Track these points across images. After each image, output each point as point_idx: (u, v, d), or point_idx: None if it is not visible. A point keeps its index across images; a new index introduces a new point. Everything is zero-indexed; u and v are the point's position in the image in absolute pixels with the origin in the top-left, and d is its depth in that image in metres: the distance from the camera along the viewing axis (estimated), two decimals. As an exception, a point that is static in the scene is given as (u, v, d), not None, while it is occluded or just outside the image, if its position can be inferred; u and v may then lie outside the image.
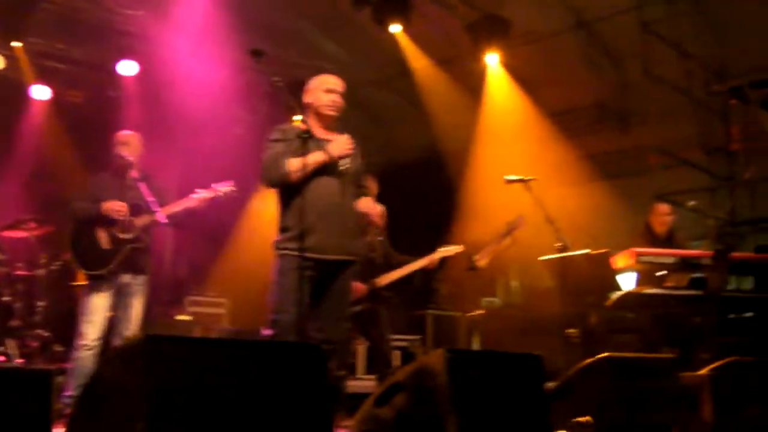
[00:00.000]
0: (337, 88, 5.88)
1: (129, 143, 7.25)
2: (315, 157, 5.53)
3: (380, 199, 9.18)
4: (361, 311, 7.38)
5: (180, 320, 11.38)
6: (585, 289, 8.39)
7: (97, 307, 6.90)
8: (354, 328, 7.42)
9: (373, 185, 7.73)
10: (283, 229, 5.66)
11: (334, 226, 5.52)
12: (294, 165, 5.49)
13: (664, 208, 9.43)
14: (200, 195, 7.12)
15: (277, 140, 5.73)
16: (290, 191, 5.60)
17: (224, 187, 7.26)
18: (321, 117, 5.69)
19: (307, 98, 5.76)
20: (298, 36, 14.16)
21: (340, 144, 5.62)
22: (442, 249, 7.61)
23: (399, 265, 7.72)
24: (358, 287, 7.32)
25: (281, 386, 3.44)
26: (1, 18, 11.16)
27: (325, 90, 5.83)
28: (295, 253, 5.43)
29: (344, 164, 5.74)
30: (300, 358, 3.65)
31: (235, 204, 13.77)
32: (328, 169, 5.61)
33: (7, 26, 11.19)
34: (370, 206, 6.42)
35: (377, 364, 7.61)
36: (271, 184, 5.69)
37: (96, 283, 6.92)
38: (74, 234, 7.10)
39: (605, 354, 4.78)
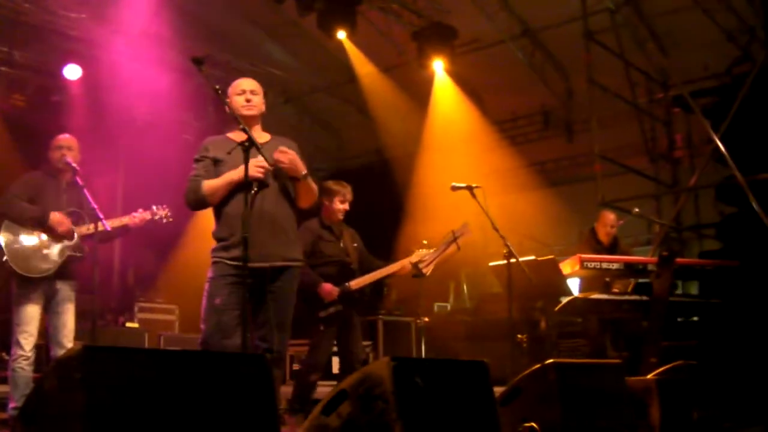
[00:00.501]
0: (248, 88, 5.75)
1: (72, 147, 7.13)
2: (229, 176, 5.46)
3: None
4: (333, 314, 7.39)
5: (129, 328, 11.28)
6: (533, 294, 8.47)
7: (31, 316, 6.79)
8: (327, 331, 7.47)
9: (346, 192, 7.69)
10: (216, 239, 5.58)
11: (264, 233, 5.38)
12: (209, 189, 5.46)
13: (610, 219, 9.49)
14: (139, 215, 7.08)
15: (198, 160, 5.66)
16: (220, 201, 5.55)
17: (162, 212, 7.21)
18: (245, 119, 5.59)
19: (231, 106, 5.71)
20: (245, 42, 14.14)
21: (255, 165, 5.36)
22: (417, 253, 7.60)
23: (374, 269, 7.71)
24: (330, 290, 7.37)
25: (224, 397, 3.41)
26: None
27: (237, 93, 5.73)
28: (227, 261, 5.38)
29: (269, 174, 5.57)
30: (243, 369, 3.63)
31: (184, 209, 13.73)
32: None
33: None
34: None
35: (347, 367, 7.58)
36: (192, 209, 5.70)
37: (25, 292, 6.78)
38: (7, 233, 6.93)
39: (552, 360, 4.80)
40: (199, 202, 5.50)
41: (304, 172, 5.51)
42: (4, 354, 9.37)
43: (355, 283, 7.55)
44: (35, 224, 6.79)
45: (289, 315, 5.65)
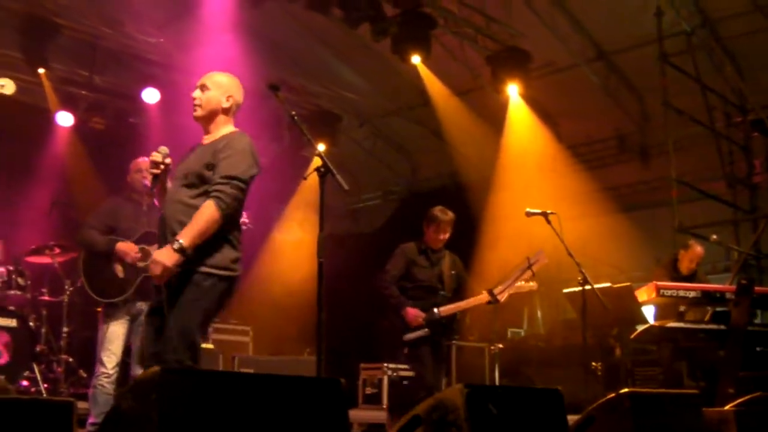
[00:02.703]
0: (197, 83, 5.35)
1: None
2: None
3: (403, 226, 9.17)
4: (420, 338, 7.37)
5: (204, 349, 11.37)
6: (607, 321, 8.38)
7: (115, 335, 6.93)
8: (416, 354, 7.44)
9: (444, 223, 7.66)
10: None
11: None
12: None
13: (698, 253, 9.30)
14: None
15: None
16: None
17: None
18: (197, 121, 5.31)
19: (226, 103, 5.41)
20: (319, 65, 14.27)
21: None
22: (517, 285, 7.54)
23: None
24: (415, 315, 7.39)
25: (297, 421, 3.45)
26: (25, 45, 11.32)
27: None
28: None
29: (191, 161, 5.19)
30: (317, 392, 3.66)
31: (258, 231, 13.86)
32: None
33: (31, 53, 11.34)
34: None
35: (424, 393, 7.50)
36: None
37: (111, 312, 6.93)
38: (87, 261, 7.11)
39: (627, 389, 4.74)
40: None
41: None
42: (81, 371, 9.56)
43: (444, 310, 7.51)
44: (105, 253, 6.93)
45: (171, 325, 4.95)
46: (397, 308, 7.47)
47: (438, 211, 7.68)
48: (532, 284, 7.50)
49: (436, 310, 7.47)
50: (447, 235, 7.69)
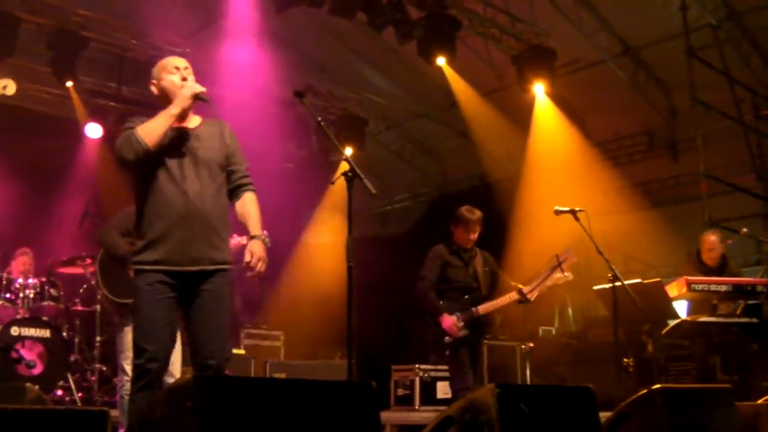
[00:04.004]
0: (182, 65, 5.04)
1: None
2: (168, 111, 4.72)
3: (432, 228, 9.17)
4: (459, 339, 7.36)
5: (236, 354, 11.45)
6: (639, 317, 8.34)
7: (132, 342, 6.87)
8: (457, 356, 7.36)
9: (473, 222, 7.65)
10: (136, 242, 4.85)
11: (194, 231, 4.71)
12: (144, 130, 4.64)
13: (708, 241, 9.18)
14: (236, 240, 7.04)
15: (127, 128, 4.78)
16: (143, 191, 4.80)
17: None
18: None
19: (155, 90, 5.01)
20: (345, 70, 14.33)
21: (187, 88, 4.80)
22: (554, 276, 7.49)
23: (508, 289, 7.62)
24: (451, 325, 7.27)
25: (330, 425, 3.48)
26: (54, 59, 11.45)
27: (169, 71, 4.99)
28: (150, 267, 4.66)
29: (199, 147, 4.88)
30: (349, 397, 3.69)
31: (289, 237, 13.94)
32: (182, 156, 4.81)
33: (60, 66, 11.47)
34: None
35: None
36: (127, 163, 4.68)
37: (126, 316, 6.85)
38: (103, 260, 7.09)
39: (659, 385, 4.73)
40: (138, 149, 4.61)
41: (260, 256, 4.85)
42: (115, 380, 9.65)
43: (483, 309, 7.48)
44: (119, 262, 6.83)
45: (227, 322, 4.92)
46: (433, 316, 7.42)
47: (465, 210, 7.67)
48: (568, 275, 7.45)
49: (474, 309, 7.46)
50: (476, 234, 7.67)
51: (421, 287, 7.55)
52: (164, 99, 4.90)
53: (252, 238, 4.90)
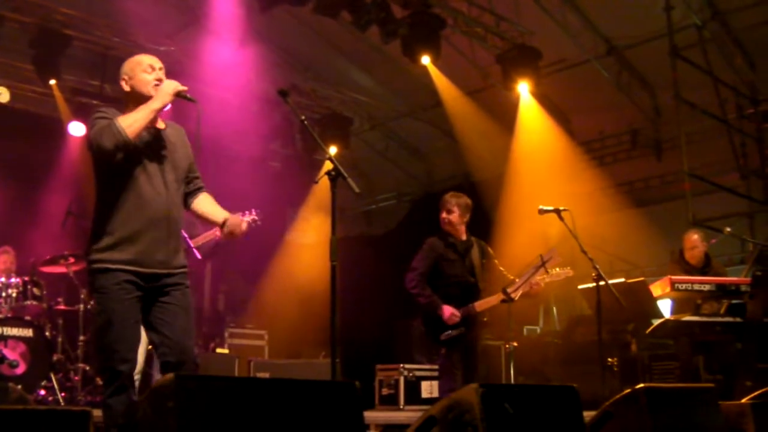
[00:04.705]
0: (157, 65, 4.97)
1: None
2: (150, 105, 4.67)
3: (417, 227, 9.13)
4: (455, 336, 7.19)
5: (220, 354, 11.43)
6: (623, 317, 8.35)
7: None
8: (451, 355, 7.19)
9: (460, 203, 7.49)
10: (97, 238, 4.68)
11: (163, 233, 4.69)
12: (125, 121, 4.56)
13: (690, 240, 9.20)
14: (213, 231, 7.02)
15: (103, 117, 4.65)
16: (115, 187, 4.69)
17: (247, 218, 7.18)
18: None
19: (126, 86, 4.93)
20: (330, 69, 14.31)
21: (169, 84, 4.76)
22: (552, 272, 7.40)
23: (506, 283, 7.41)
24: (452, 313, 7.12)
25: (313, 425, 3.47)
26: (37, 57, 11.40)
27: (145, 70, 4.91)
28: (116, 266, 4.57)
29: (173, 152, 4.89)
30: (332, 396, 3.68)
31: (272, 236, 13.91)
32: (158, 157, 4.79)
33: (43, 65, 11.42)
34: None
35: None
36: (104, 152, 4.52)
37: None
38: None
39: (643, 384, 4.74)
40: (116, 139, 4.50)
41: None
42: (98, 380, 9.60)
43: (480, 305, 7.28)
44: None
45: (193, 323, 4.89)
46: (431, 308, 7.21)
47: (451, 195, 7.53)
48: (568, 270, 7.39)
49: (473, 305, 7.25)
50: (467, 218, 7.51)
51: (412, 279, 7.35)
52: (134, 96, 4.85)
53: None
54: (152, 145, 4.78)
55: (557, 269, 7.36)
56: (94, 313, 4.81)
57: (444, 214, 7.48)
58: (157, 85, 4.82)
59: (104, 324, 4.52)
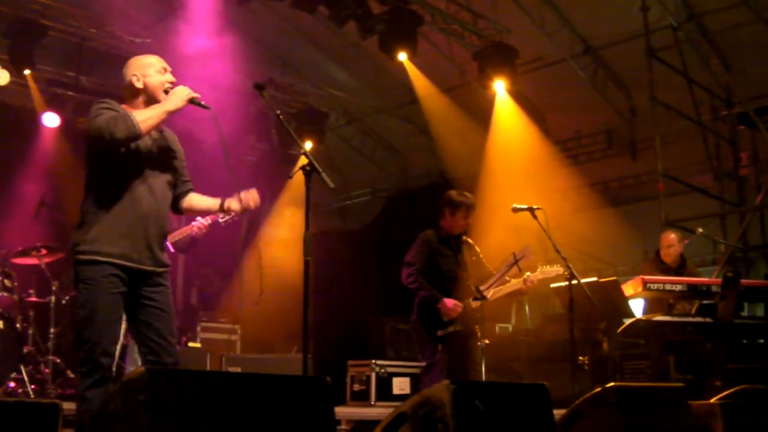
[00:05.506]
0: (169, 67, 5.06)
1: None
2: (164, 106, 4.75)
3: (392, 223, 9.14)
4: (453, 333, 7.12)
5: (192, 348, 11.38)
6: (595, 316, 8.38)
7: None
8: (446, 351, 7.12)
9: (470, 205, 7.47)
10: (86, 229, 4.66)
11: (152, 231, 4.72)
12: (141, 116, 4.61)
13: (667, 239, 9.25)
14: (200, 222, 7.01)
15: (110, 108, 4.67)
16: (103, 181, 4.72)
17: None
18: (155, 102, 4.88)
19: (138, 83, 4.93)
20: (307, 64, 14.29)
21: (183, 89, 4.83)
22: (543, 269, 7.40)
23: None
24: (453, 306, 7.09)
25: (284, 419, 3.46)
26: (11, 46, 11.31)
27: (159, 71, 4.98)
28: (107, 259, 4.56)
29: (172, 154, 4.99)
30: (304, 391, 3.67)
31: (246, 230, 13.87)
32: (158, 157, 4.85)
33: (18, 54, 11.33)
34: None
35: None
36: (115, 141, 4.51)
37: None
38: None
39: (613, 383, 4.76)
40: (130, 130, 4.53)
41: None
42: (69, 372, 9.54)
43: (475, 303, 7.27)
44: None
45: (174, 322, 4.90)
46: (431, 300, 7.16)
47: (458, 194, 7.47)
48: (558, 268, 7.36)
49: (470, 301, 7.24)
50: (469, 221, 7.48)
51: (410, 273, 7.29)
52: (146, 95, 4.93)
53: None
54: (151, 146, 4.84)
55: (548, 266, 7.39)
56: (76, 304, 4.76)
57: (468, 219, 7.47)
58: (169, 88, 4.91)
59: (88, 315, 4.50)
